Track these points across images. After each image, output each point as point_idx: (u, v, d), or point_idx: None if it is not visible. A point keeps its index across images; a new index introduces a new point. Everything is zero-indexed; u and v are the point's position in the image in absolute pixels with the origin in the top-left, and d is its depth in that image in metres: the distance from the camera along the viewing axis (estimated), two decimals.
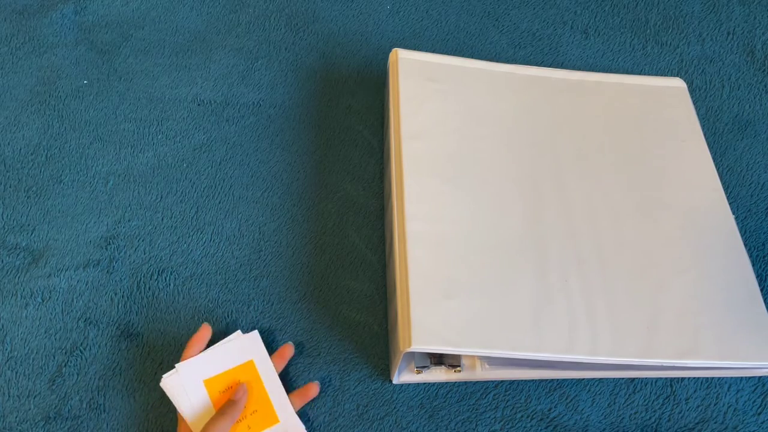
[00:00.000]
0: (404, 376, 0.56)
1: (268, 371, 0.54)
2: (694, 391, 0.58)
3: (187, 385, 0.52)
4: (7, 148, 0.68)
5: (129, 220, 0.64)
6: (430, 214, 0.58)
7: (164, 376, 0.52)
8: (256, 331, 0.55)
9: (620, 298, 0.56)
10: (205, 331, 0.55)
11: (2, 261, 0.61)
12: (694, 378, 0.58)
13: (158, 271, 0.61)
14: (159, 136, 0.70)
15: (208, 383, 0.52)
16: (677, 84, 0.72)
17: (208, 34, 0.78)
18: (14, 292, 0.59)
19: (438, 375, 0.57)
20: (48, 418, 0.54)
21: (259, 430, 0.52)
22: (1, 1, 0.79)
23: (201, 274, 0.61)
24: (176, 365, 0.52)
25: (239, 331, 0.56)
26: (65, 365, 0.56)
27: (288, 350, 0.56)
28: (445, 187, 0.60)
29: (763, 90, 0.78)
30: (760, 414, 0.57)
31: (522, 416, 0.56)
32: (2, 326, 0.58)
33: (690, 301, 0.56)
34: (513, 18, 0.83)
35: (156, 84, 0.73)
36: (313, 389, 0.55)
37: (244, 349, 0.54)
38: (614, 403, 0.57)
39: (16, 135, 0.69)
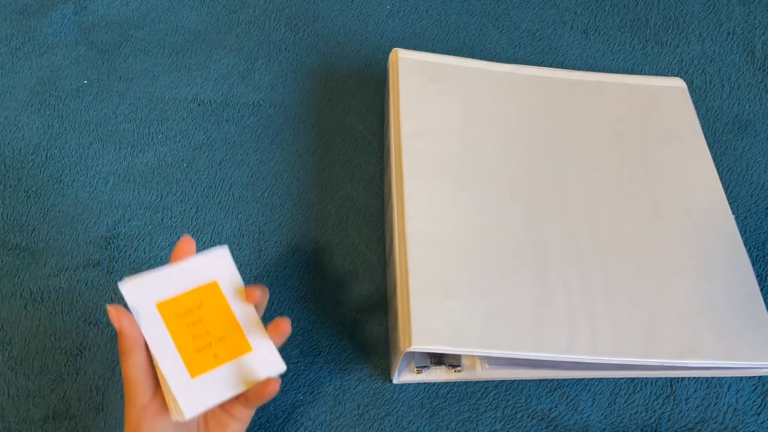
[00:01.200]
0: (404, 376, 0.56)
1: (236, 294, 0.46)
2: (694, 391, 0.58)
3: (136, 306, 0.43)
4: (7, 148, 0.68)
5: (129, 220, 0.64)
6: (430, 214, 0.58)
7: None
8: (224, 247, 0.47)
9: (620, 297, 0.56)
10: (186, 244, 0.46)
11: (2, 261, 0.61)
12: (694, 378, 0.58)
13: None
14: (159, 136, 0.70)
15: (162, 307, 0.43)
16: (677, 84, 0.72)
17: (208, 34, 0.78)
18: (14, 292, 0.59)
19: (438, 375, 0.57)
20: (47, 417, 0.54)
21: (227, 359, 0.44)
22: (1, 1, 0.79)
23: None
24: (119, 283, 0.43)
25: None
26: (65, 365, 0.56)
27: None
28: (446, 187, 0.60)
29: (763, 90, 0.78)
30: (760, 414, 0.57)
31: (522, 416, 0.56)
32: (2, 326, 0.58)
33: (690, 301, 0.56)
34: (513, 18, 0.83)
35: (156, 84, 0.73)
36: (284, 323, 0.45)
37: (207, 267, 0.46)
38: (614, 403, 0.57)
39: (15, 135, 0.69)
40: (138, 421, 0.42)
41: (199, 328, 0.44)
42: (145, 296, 0.43)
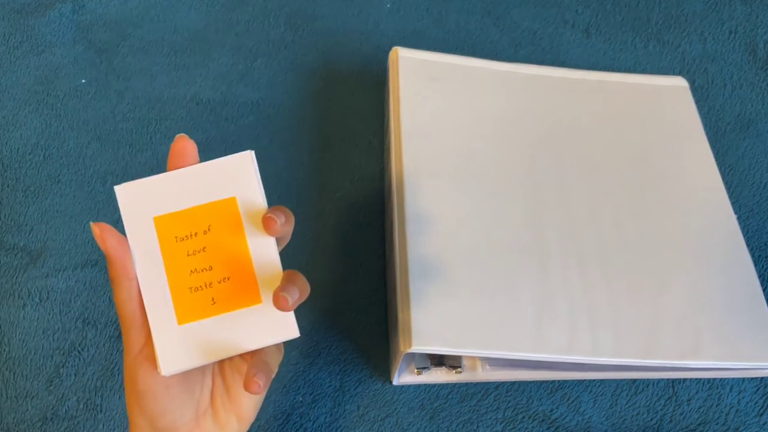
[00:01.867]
0: (404, 377, 0.56)
1: (257, 220, 0.35)
2: (696, 392, 0.57)
3: (129, 219, 0.35)
4: (5, 148, 0.67)
5: None
6: (430, 214, 0.57)
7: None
8: (250, 152, 0.36)
9: (621, 298, 0.55)
10: (183, 145, 0.35)
11: (0, 261, 0.61)
12: (696, 379, 0.58)
13: None
14: (158, 136, 0.69)
15: (160, 222, 0.35)
16: (679, 83, 0.71)
17: (207, 33, 0.78)
18: (12, 293, 0.59)
19: (438, 376, 0.56)
20: (45, 418, 0.53)
21: (227, 309, 0.35)
22: None
23: None
24: (115, 186, 0.35)
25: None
26: (63, 366, 0.56)
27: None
28: (446, 187, 0.59)
29: (765, 89, 0.78)
30: (762, 415, 0.57)
31: (523, 417, 0.55)
32: (0, 326, 0.57)
33: (692, 301, 0.56)
34: (514, 17, 0.82)
35: (155, 83, 0.73)
36: (299, 277, 0.36)
37: (226, 177, 0.35)
38: (616, 404, 0.57)
39: (13, 134, 0.68)
40: (134, 368, 0.35)
41: (201, 259, 0.35)
42: (143, 206, 0.34)
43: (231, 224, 0.35)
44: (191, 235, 0.35)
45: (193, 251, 0.35)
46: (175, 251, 0.35)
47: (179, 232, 0.35)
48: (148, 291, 0.34)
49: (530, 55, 0.79)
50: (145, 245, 0.34)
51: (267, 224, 0.34)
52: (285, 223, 0.35)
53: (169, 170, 0.35)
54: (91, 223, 0.34)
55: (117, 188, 0.35)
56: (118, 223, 0.61)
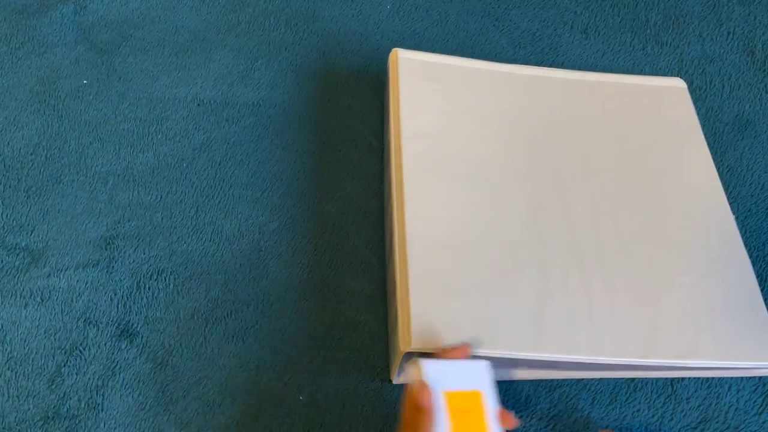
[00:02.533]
0: (404, 376, 0.56)
1: (493, 412, 0.47)
2: (695, 391, 0.58)
3: (431, 388, 0.45)
4: (7, 148, 0.68)
5: (129, 220, 0.64)
6: (430, 214, 0.58)
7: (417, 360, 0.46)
8: (486, 362, 0.49)
9: (621, 298, 0.56)
10: (465, 348, 0.49)
11: (2, 261, 0.61)
12: (695, 378, 0.58)
13: (158, 271, 0.61)
14: (159, 136, 0.70)
15: (448, 397, 0.46)
16: (677, 84, 0.72)
17: (208, 34, 0.78)
18: (14, 292, 0.59)
19: None
20: (47, 417, 0.53)
21: None
22: (1, 1, 0.79)
23: (201, 274, 0.61)
24: (419, 359, 0.45)
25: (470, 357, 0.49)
26: (64, 365, 0.56)
27: (510, 418, 0.47)
28: (445, 187, 0.59)
29: (763, 90, 0.78)
30: (761, 414, 0.57)
31: (523, 416, 0.56)
32: (2, 326, 0.57)
33: (690, 301, 0.56)
34: (513, 18, 0.83)
35: (156, 84, 0.73)
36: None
37: (475, 374, 0.48)
38: (615, 402, 0.57)
39: (15, 135, 0.69)
40: None
41: (460, 425, 0.45)
42: (437, 380, 0.45)
43: (477, 410, 0.46)
44: (461, 410, 0.46)
45: (461, 424, 0.45)
46: (455, 419, 0.45)
47: (456, 405, 0.46)
48: None
49: (529, 55, 0.79)
50: (438, 410, 0.45)
51: (506, 420, 0.47)
52: (514, 424, 0.47)
53: (444, 351, 0.48)
54: (418, 380, 0.45)
55: (421, 361, 0.46)
56: (118, 223, 0.61)
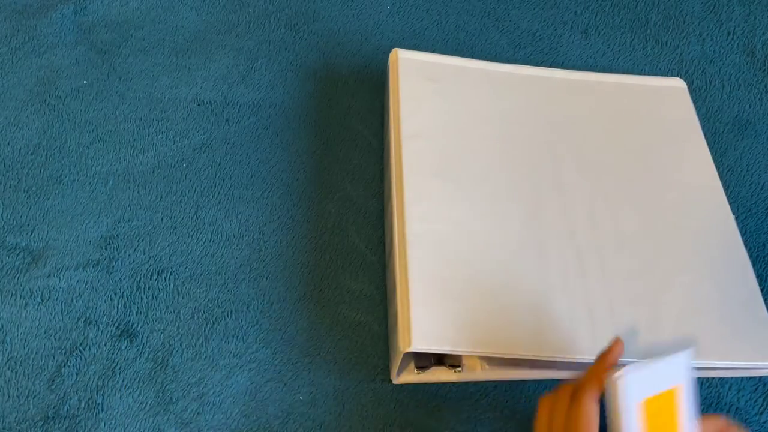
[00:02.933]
0: (404, 376, 0.56)
1: (690, 413, 0.43)
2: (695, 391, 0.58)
3: (624, 402, 0.41)
4: (7, 148, 0.68)
5: (129, 220, 0.64)
6: (430, 214, 0.58)
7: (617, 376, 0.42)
8: (688, 350, 0.44)
9: (620, 298, 0.56)
10: (618, 347, 0.46)
11: (2, 261, 0.61)
12: (695, 377, 0.58)
13: (158, 271, 0.61)
14: (159, 136, 0.70)
15: (644, 406, 0.42)
16: (677, 84, 0.72)
17: (208, 34, 0.78)
18: (13, 292, 0.59)
19: (438, 375, 0.57)
20: (47, 417, 0.53)
21: None
22: (1, 1, 0.79)
23: (201, 274, 0.61)
24: (616, 376, 0.41)
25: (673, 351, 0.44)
26: (64, 365, 0.56)
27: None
28: (445, 187, 0.59)
29: (763, 90, 0.78)
30: (762, 413, 0.57)
31: (522, 417, 0.56)
32: (2, 326, 0.58)
33: (690, 301, 0.56)
34: (513, 18, 0.83)
35: (156, 84, 0.73)
36: None
37: (673, 370, 0.43)
38: None
39: (15, 135, 0.69)
40: None
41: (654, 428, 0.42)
42: (633, 394, 0.41)
43: (669, 411, 0.43)
44: (656, 415, 0.42)
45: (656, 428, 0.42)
46: (651, 428, 0.42)
47: (652, 412, 0.42)
48: None
49: (529, 56, 0.79)
50: (632, 423, 0.41)
51: (711, 425, 0.45)
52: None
53: (603, 361, 0.45)
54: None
55: (618, 379, 0.41)
56: (118, 223, 0.61)
